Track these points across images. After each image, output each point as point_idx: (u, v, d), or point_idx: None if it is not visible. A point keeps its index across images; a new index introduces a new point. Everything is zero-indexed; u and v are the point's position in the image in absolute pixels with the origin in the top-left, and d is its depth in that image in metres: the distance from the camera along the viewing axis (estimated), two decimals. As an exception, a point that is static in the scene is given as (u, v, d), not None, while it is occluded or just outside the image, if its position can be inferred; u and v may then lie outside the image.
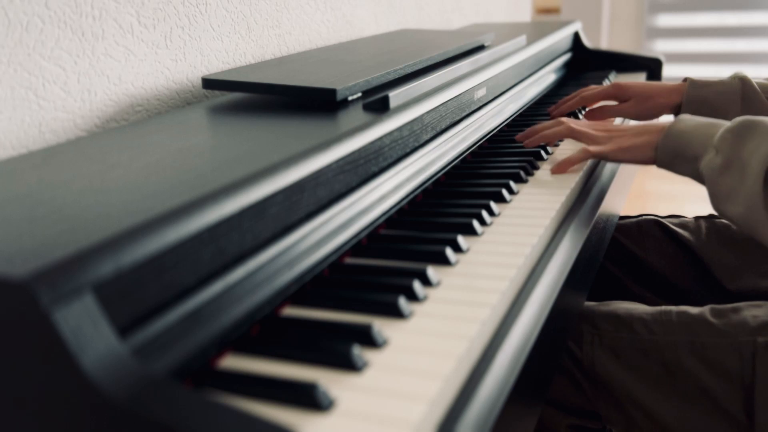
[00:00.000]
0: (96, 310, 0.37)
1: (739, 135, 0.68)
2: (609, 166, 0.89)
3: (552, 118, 1.06)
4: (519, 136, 0.93)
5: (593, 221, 0.73)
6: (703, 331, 0.70)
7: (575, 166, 0.84)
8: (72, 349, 0.35)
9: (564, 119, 0.89)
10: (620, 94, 1.05)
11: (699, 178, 0.74)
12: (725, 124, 0.72)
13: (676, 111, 1.02)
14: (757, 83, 0.94)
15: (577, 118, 1.10)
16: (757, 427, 0.65)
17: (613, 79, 1.48)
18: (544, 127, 0.90)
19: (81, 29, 0.73)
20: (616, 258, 1.00)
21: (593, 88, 1.08)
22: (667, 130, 0.77)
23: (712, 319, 0.71)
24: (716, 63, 3.05)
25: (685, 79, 1.00)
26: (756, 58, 2.96)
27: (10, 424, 0.39)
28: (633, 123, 0.91)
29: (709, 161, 0.71)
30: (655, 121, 0.81)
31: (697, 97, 0.97)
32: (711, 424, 0.68)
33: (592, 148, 0.82)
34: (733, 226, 0.71)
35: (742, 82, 0.95)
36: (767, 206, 0.65)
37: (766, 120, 0.68)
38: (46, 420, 0.38)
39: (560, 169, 0.83)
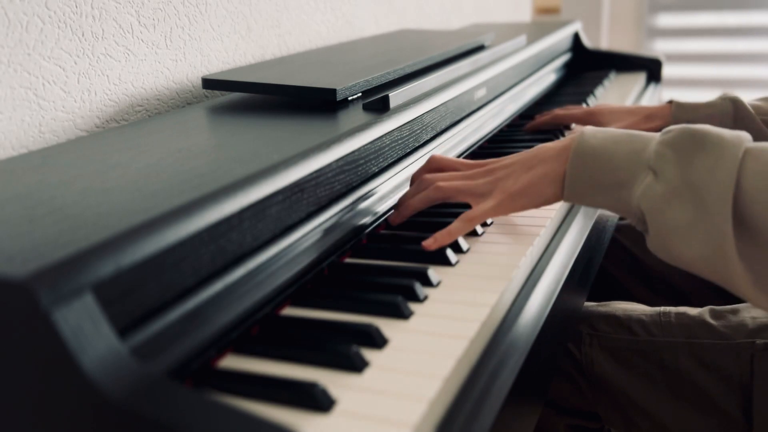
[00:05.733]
0: (96, 310, 0.37)
1: (683, 151, 0.53)
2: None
3: (527, 130, 1.02)
4: (391, 217, 0.68)
5: (593, 221, 0.73)
6: (702, 333, 0.70)
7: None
8: (72, 349, 0.35)
9: (430, 176, 0.66)
10: (592, 121, 0.97)
11: (628, 209, 0.57)
12: (652, 135, 0.58)
13: None
14: (750, 104, 0.86)
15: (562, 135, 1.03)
16: (755, 428, 0.65)
17: (614, 78, 1.48)
18: (410, 196, 0.67)
19: (81, 29, 0.73)
20: (616, 258, 1.00)
21: (568, 109, 1.02)
22: (574, 151, 0.59)
23: (710, 321, 0.71)
24: (716, 63, 3.05)
25: (670, 102, 0.93)
26: (756, 58, 2.96)
27: (10, 424, 0.39)
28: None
29: (646, 188, 0.54)
30: (549, 142, 0.64)
31: (685, 122, 0.85)
32: (709, 425, 0.68)
33: (475, 210, 0.61)
34: (684, 268, 0.55)
35: (734, 104, 0.86)
36: (740, 246, 0.50)
37: (711, 129, 0.54)
38: (46, 420, 0.38)
39: (437, 245, 0.60)
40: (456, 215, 0.70)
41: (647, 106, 0.95)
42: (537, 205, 0.62)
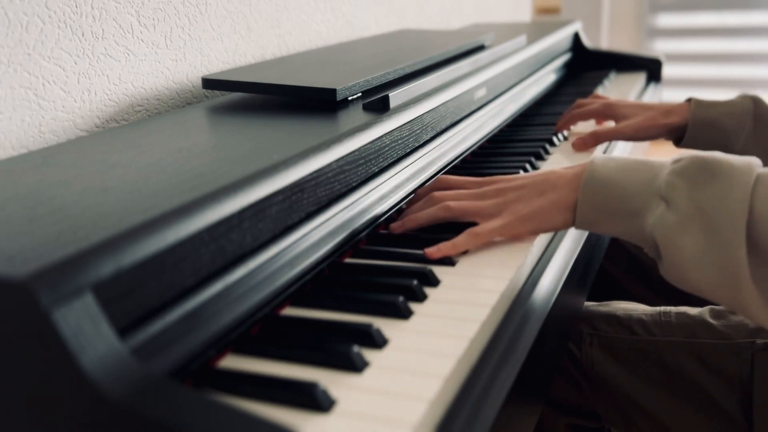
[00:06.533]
0: (96, 310, 0.37)
1: (694, 180, 0.53)
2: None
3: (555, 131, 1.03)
4: (393, 225, 0.67)
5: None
6: (702, 333, 0.70)
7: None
8: (72, 349, 0.35)
9: (439, 194, 0.66)
10: (611, 114, 0.97)
11: (641, 237, 0.57)
12: (662, 163, 0.58)
13: (677, 134, 0.91)
14: None
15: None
16: (755, 428, 0.65)
17: (614, 78, 1.48)
18: (418, 209, 0.68)
19: (81, 29, 0.73)
20: (616, 258, 1.00)
21: (584, 105, 1.02)
22: (586, 179, 0.59)
23: (711, 321, 0.71)
24: (716, 63, 3.05)
25: (688, 100, 0.92)
26: (756, 58, 2.96)
27: (10, 424, 0.39)
28: (531, 172, 0.70)
29: (659, 218, 0.54)
30: (557, 168, 0.64)
31: (705, 119, 0.87)
32: (709, 425, 0.68)
33: (483, 227, 0.62)
34: (698, 295, 0.55)
35: (754, 102, 0.86)
36: (755, 273, 0.50)
37: (721, 156, 0.54)
38: (46, 420, 0.38)
39: (440, 255, 0.60)
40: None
41: (665, 103, 0.94)
42: (545, 231, 0.62)
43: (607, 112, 0.98)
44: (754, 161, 0.54)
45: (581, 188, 0.59)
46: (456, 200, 0.65)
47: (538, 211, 0.61)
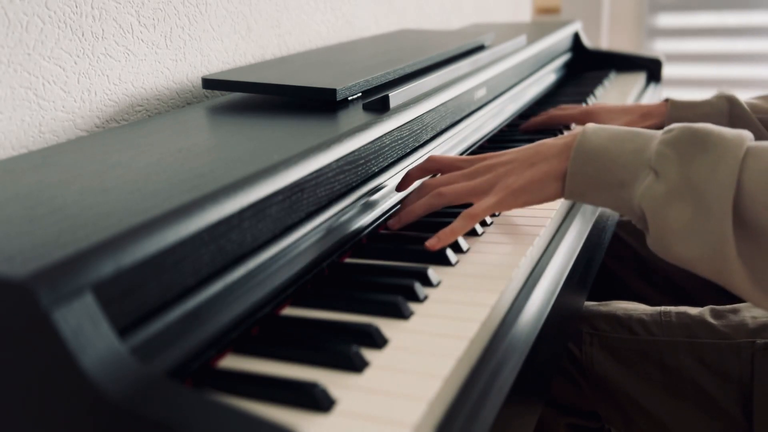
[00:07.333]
0: (96, 310, 0.37)
1: (684, 151, 0.53)
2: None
3: (523, 131, 1.02)
4: (390, 222, 0.66)
5: (593, 221, 0.73)
6: (702, 332, 0.70)
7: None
8: (72, 348, 0.35)
9: (430, 181, 0.66)
10: (590, 120, 0.96)
11: (628, 208, 0.56)
12: (653, 134, 0.57)
13: None
14: (746, 102, 0.86)
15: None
16: (755, 427, 0.65)
17: (614, 78, 1.48)
18: (411, 201, 0.67)
19: (81, 29, 0.73)
20: (618, 255, 1.00)
21: (564, 109, 1.02)
22: (576, 149, 0.58)
23: (711, 320, 0.71)
24: (716, 63, 3.04)
25: (666, 100, 0.92)
26: (756, 58, 2.96)
27: (10, 424, 0.39)
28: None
29: (647, 188, 0.53)
30: (548, 139, 0.64)
31: (681, 120, 0.84)
32: (709, 425, 0.68)
33: (477, 207, 0.61)
34: (684, 267, 0.55)
35: (729, 102, 0.86)
36: (740, 247, 0.50)
37: (712, 128, 0.54)
38: (46, 420, 0.38)
39: (441, 244, 0.60)
40: (455, 214, 0.70)
41: (643, 105, 0.95)
42: (538, 202, 0.62)
43: (585, 119, 0.98)
44: (745, 134, 0.53)
45: (571, 158, 0.59)
46: (447, 184, 0.64)
47: (530, 183, 0.61)
